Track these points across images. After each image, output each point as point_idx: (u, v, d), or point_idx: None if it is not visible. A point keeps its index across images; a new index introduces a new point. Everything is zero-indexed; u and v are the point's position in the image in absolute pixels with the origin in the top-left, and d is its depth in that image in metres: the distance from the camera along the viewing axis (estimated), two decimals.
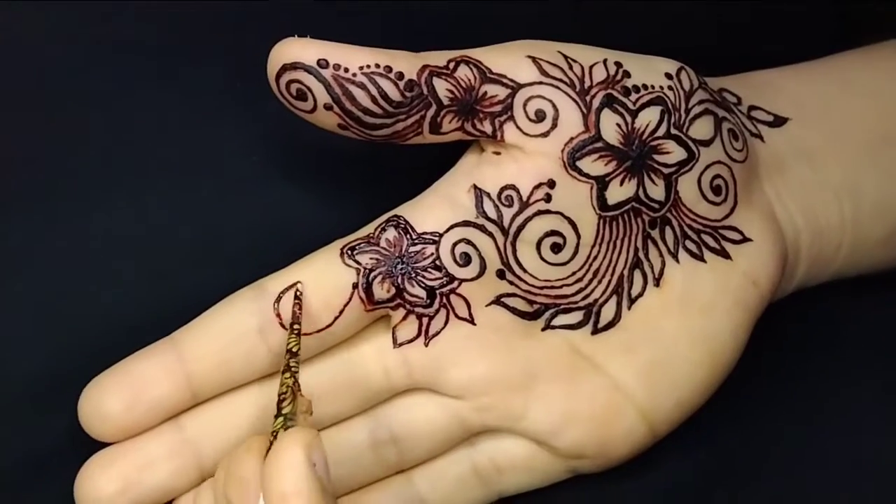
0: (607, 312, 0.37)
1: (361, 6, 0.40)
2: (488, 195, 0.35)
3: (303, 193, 0.38)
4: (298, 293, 0.35)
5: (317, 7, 0.39)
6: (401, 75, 0.34)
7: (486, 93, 0.35)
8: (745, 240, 0.38)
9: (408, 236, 0.35)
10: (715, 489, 0.38)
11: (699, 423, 0.38)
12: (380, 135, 0.35)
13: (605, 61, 0.36)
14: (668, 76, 0.37)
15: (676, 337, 0.37)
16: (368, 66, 0.34)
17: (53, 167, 0.37)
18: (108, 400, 0.34)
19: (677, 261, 0.37)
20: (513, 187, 0.35)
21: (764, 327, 0.39)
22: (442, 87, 0.35)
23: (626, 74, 0.36)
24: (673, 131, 0.36)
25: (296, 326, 0.34)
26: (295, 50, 0.33)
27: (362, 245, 0.35)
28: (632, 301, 0.37)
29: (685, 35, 0.44)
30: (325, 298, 0.35)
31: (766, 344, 0.39)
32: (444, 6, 0.40)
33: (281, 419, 0.32)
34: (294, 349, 0.34)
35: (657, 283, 0.37)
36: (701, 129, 0.37)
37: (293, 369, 0.33)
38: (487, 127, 0.35)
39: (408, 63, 0.34)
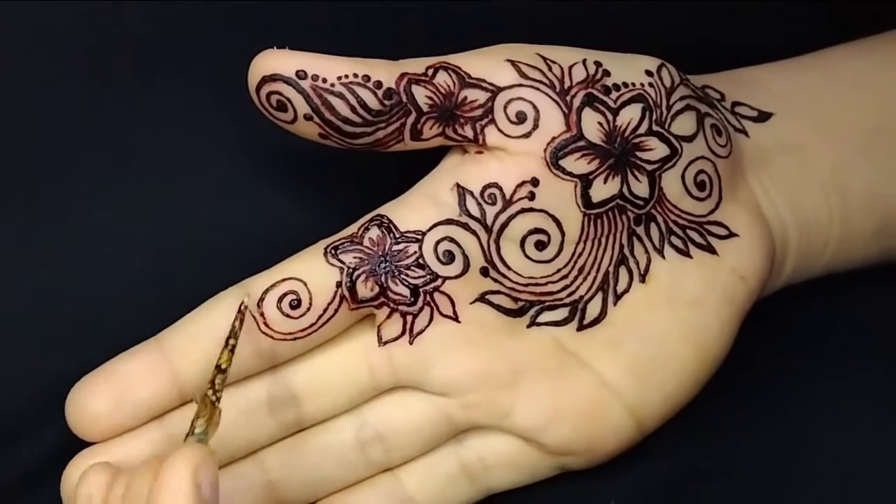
0: (593, 309, 0.37)
1: (347, 8, 0.40)
2: (471, 193, 0.35)
3: (288, 194, 0.38)
4: (243, 307, 0.34)
5: (309, 8, 0.40)
6: (379, 84, 0.34)
7: (465, 98, 0.35)
8: (731, 235, 0.38)
9: (391, 235, 0.35)
10: (703, 485, 0.38)
11: (687, 419, 0.38)
12: (361, 143, 0.35)
13: (584, 61, 0.36)
14: (649, 73, 0.37)
15: (663, 332, 0.37)
16: (346, 76, 0.34)
17: (45, 168, 0.38)
18: (94, 400, 0.34)
19: (663, 257, 0.37)
20: (496, 185, 0.35)
21: (752, 324, 0.39)
22: (421, 94, 0.35)
23: (606, 73, 0.36)
24: (655, 128, 0.36)
25: (231, 342, 0.34)
26: (273, 61, 0.34)
27: (346, 244, 0.35)
28: (617, 297, 0.37)
29: (675, 34, 0.44)
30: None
31: (754, 340, 0.39)
32: (425, 8, 0.41)
33: (191, 439, 0.32)
34: (223, 366, 0.33)
35: (643, 279, 0.37)
36: (683, 125, 0.37)
37: (216, 387, 0.33)
38: (469, 131, 0.35)
39: (386, 71, 0.35)
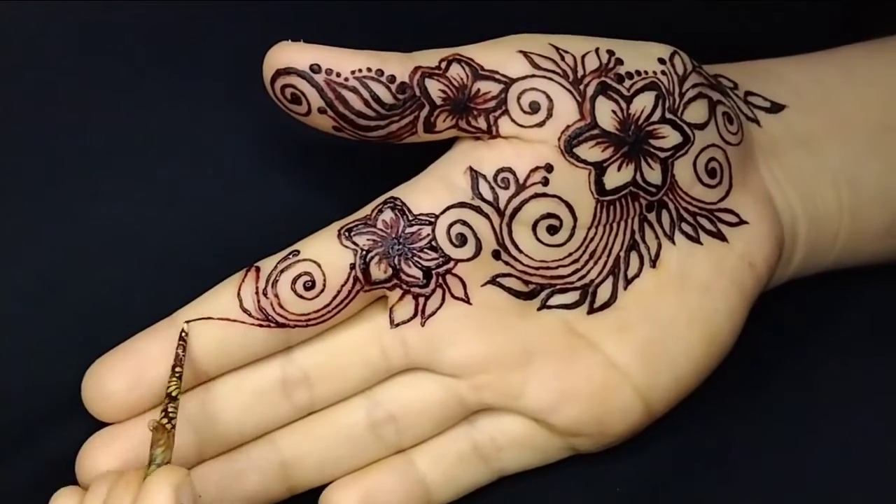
0: (603, 293, 0.37)
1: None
2: (484, 177, 0.36)
3: (301, 180, 0.38)
4: (184, 334, 0.35)
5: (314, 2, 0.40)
6: (392, 78, 0.35)
7: (478, 90, 0.36)
8: (742, 222, 0.38)
9: (404, 217, 0.36)
10: (709, 471, 0.39)
11: (693, 406, 0.38)
12: (374, 136, 0.35)
13: (597, 50, 0.37)
14: (661, 61, 0.37)
15: (673, 316, 0.37)
16: (360, 70, 0.34)
17: (56, 156, 0.38)
18: (110, 380, 0.35)
19: (673, 243, 0.37)
20: (509, 170, 0.36)
21: (760, 315, 0.39)
22: (434, 87, 0.35)
23: (619, 62, 0.37)
24: (668, 115, 0.37)
25: (178, 370, 0.34)
26: (288, 55, 0.34)
27: (359, 226, 0.36)
28: (628, 282, 0.37)
29: (686, 29, 0.44)
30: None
31: (762, 331, 0.40)
32: (438, 4, 0.41)
33: (154, 468, 0.32)
34: (173, 393, 0.33)
35: (653, 264, 0.37)
36: (695, 112, 0.37)
37: (171, 415, 0.33)
38: (482, 123, 0.36)
39: (399, 65, 0.35)
